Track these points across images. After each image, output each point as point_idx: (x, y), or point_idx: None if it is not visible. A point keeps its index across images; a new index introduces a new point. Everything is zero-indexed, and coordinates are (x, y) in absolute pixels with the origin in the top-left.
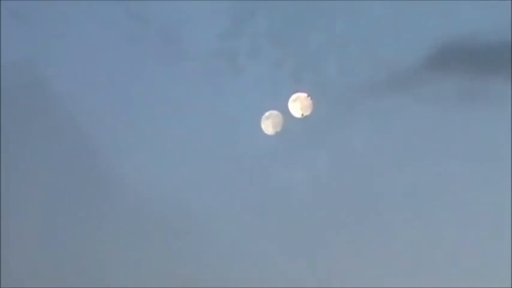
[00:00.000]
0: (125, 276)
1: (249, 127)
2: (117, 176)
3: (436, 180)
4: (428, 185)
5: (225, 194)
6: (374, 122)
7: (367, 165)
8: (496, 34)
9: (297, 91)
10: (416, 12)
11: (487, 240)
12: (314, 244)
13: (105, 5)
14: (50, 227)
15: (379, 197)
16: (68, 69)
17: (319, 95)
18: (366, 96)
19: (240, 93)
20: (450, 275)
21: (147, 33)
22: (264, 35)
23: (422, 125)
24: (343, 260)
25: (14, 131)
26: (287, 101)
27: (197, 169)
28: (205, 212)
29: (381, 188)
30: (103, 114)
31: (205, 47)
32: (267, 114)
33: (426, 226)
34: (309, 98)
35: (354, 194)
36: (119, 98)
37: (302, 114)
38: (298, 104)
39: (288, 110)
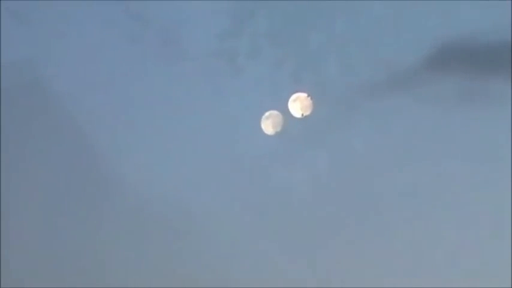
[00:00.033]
0: (125, 276)
1: (249, 127)
2: (116, 175)
3: (436, 180)
4: (429, 185)
5: (225, 194)
6: (374, 122)
7: (367, 165)
8: (497, 34)
9: (297, 91)
10: (417, 12)
11: (487, 240)
12: (314, 244)
13: (104, 5)
14: (50, 227)
15: (379, 196)
16: (68, 69)
17: (319, 95)
18: (366, 96)
19: (240, 93)
20: (450, 275)
21: (146, 33)
22: (264, 35)
23: (422, 125)
24: (343, 260)
25: (13, 131)
26: (287, 101)
27: (197, 169)
28: (205, 212)
29: (381, 188)
30: (103, 114)
31: (205, 47)
32: (267, 114)
33: (426, 226)
34: (309, 98)
35: (354, 194)
36: (119, 98)
37: (302, 114)
38: (298, 104)
39: (288, 110)
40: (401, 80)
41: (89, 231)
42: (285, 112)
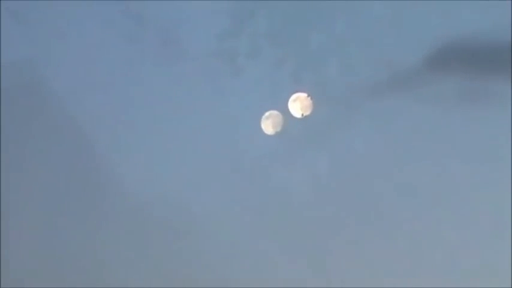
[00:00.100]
0: (125, 276)
1: (249, 127)
2: (115, 175)
3: (437, 180)
4: (429, 185)
5: (224, 194)
6: (374, 122)
7: (367, 165)
8: (498, 34)
9: (297, 91)
10: (417, 12)
11: (487, 240)
12: (314, 244)
13: (104, 5)
14: (50, 227)
15: (379, 196)
16: (67, 69)
17: (319, 95)
18: (367, 97)
19: (239, 94)
20: (450, 275)
21: (146, 33)
22: (264, 35)
23: (423, 125)
24: (343, 261)
25: (13, 132)
26: (287, 101)
27: (197, 169)
28: (205, 212)
29: (381, 188)
30: (102, 115)
31: (205, 47)
32: (267, 114)
33: (426, 226)
34: (309, 98)
35: (354, 194)
36: (118, 98)
37: (302, 114)
38: (298, 104)
39: (288, 110)
40: (402, 80)
41: (88, 231)
42: (285, 112)
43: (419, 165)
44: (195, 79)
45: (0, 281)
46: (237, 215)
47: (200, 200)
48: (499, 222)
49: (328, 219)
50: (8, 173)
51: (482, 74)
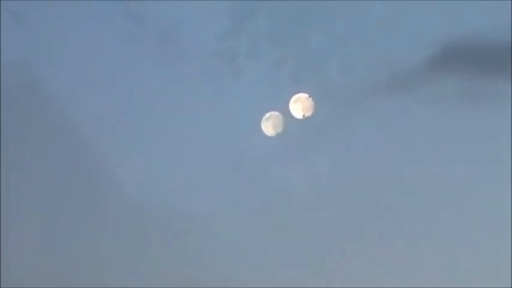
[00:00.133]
0: (125, 277)
1: (249, 128)
2: (115, 176)
3: (437, 180)
4: (429, 185)
5: (225, 195)
6: (376, 123)
7: (368, 166)
8: (499, 34)
9: (297, 92)
10: (418, 13)
11: (487, 240)
12: (314, 245)
13: (103, 5)
14: (50, 227)
15: (379, 197)
16: (66, 69)
17: (320, 96)
18: (368, 97)
19: (240, 94)
20: (450, 275)
21: (145, 33)
22: (264, 35)
23: (424, 125)
24: (343, 261)
25: (11, 132)
26: (288, 101)
27: (197, 170)
28: (205, 213)
29: (381, 188)
30: (102, 115)
31: (205, 47)
32: (267, 115)
33: (427, 226)
34: (310, 98)
35: (355, 196)
36: (118, 99)
37: (303, 115)
38: (299, 105)
39: (288, 110)
40: (403, 80)
41: (88, 231)
42: (286, 113)
43: (419, 165)
44: (194, 79)
45: (0, 281)
46: (237, 216)
47: (200, 201)
48: (499, 222)
49: (328, 219)
50: (8, 173)
51: (483, 74)
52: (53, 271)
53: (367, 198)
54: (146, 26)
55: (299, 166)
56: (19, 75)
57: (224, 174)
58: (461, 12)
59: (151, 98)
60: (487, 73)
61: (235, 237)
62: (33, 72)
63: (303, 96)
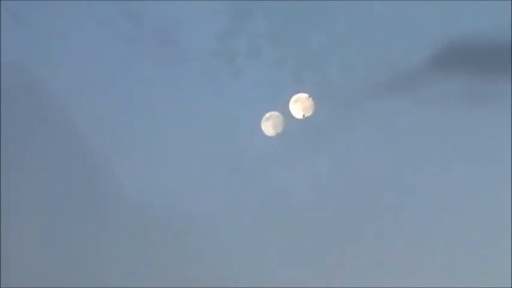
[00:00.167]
0: (125, 277)
1: (249, 128)
2: (115, 176)
3: (438, 181)
4: (430, 186)
5: (224, 195)
6: (376, 123)
7: (368, 167)
8: (500, 34)
9: (298, 91)
10: (419, 13)
11: (487, 240)
12: (314, 246)
13: (103, 5)
14: (50, 227)
15: (380, 197)
16: (66, 69)
17: (320, 96)
18: (368, 97)
19: (239, 94)
20: (450, 275)
21: (145, 33)
22: (264, 34)
23: (424, 126)
24: (343, 262)
25: (12, 131)
26: (287, 101)
27: (197, 171)
28: (205, 214)
29: (382, 189)
30: (101, 115)
31: (204, 47)
32: (267, 115)
33: (427, 227)
34: (311, 98)
35: (355, 196)
36: (117, 99)
37: (303, 115)
38: (299, 105)
39: (288, 110)
40: (404, 80)
41: (88, 232)
42: (286, 113)
43: (420, 166)
44: (194, 80)
45: (0, 281)
46: (237, 216)
47: (200, 201)
48: (499, 222)
49: (328, 219)
50: (8, 173)
51: (483, 74)
52: (53, 271)
53: (367, 198)
54: (146, 26)
55: (299, 166)
56: (18, 75)
57: (224, 174)
58: (461, 12)
59: (151, 98)
60: (487, 73)
61: (235, 237)
62: (33, 72)
63: (303, 96)
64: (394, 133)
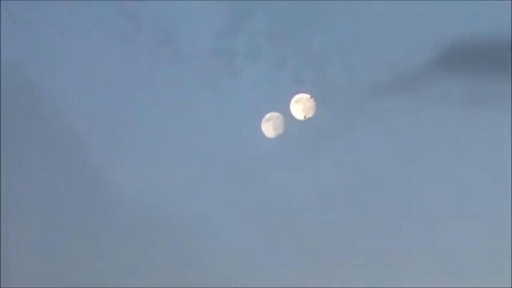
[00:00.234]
0: (125, 277)
1: (249, 129)
2: (114, 177)
3: (440, 182)
4: (432, 187)
5: (225, 196)
6: (378, 124)
7: (370, 168)
8: (500, 35)
9: (298, 92)
10: (420, 13)
11: (487, 240)
12: (315, 247)
13: (101, 5)
14: (50, 228)
15: (382, 198)
16: (64, 70)
17: (321, 96)
18: (370, 98)
19: (239, 95)
20: (450, 275)
21: (143, 33)
22: (263, 34)
23: (426, 127)
24: (343, 263)
25: (11, 131)
26: (288, 102)
27: (196, 172)
28: (206, 215)
29: (383, 190)
30: (99, 115)
31: (203, 47)
32: (267, 116)
33: (427, 227)
34: (312, 99)
35: (356, 197)
36: (115, 99)
37: (304, 116)
38: (301, 106)
39: (289, 111)
40: (405, 81)
41: (88, 232)
42: (287, 114)
43: (421, 166)
44: (193, 80)
45: (0, 281)
46: (237, 217)
47: (200, 202)
48: (499, 222)
49: (328, 220)
50: (7, 174)
51: (484, 75)
52: (52, 271)
53: (368, 199)
54: (144, 26)
55: (300, 168)
56: (16, 76)
57: (224, 176)
58: (462, 13)
59: (150, 98)
60: (487, 73)
61: (235, 238)
62: (32, 72)
63: (304, 96)
64: (396, 134)
